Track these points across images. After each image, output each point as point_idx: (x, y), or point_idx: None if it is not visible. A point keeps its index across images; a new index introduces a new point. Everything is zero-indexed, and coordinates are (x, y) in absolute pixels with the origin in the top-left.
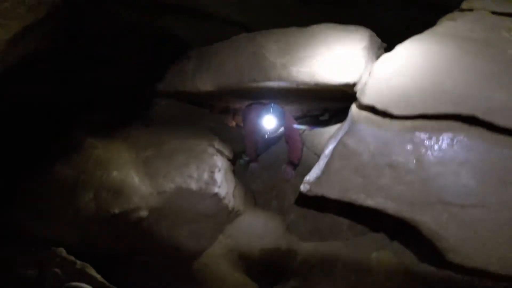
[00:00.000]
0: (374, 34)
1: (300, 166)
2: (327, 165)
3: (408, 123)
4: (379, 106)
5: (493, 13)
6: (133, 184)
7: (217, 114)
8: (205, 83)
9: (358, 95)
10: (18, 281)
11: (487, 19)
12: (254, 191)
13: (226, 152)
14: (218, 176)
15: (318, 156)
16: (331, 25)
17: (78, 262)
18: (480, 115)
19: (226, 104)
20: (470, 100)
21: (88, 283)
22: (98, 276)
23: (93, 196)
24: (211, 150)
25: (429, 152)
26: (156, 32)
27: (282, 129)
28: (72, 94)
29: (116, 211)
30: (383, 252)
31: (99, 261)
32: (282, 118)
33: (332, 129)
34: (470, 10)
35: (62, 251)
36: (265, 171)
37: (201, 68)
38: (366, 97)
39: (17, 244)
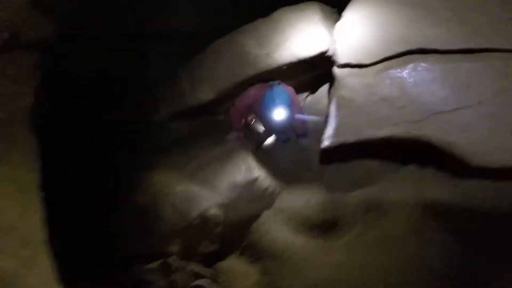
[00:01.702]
0: (322, 4)
1: (312, 131)
2: (336, 117)
3: (379, 66)
4: (353, 61)
5: None
6: (196, 191)
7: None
8: (205, 93)
9: (334, 58)
10: None
11: None
12: (285, 170)
13: (249, 146)
14: (252, 164)
15: (323, 118)
16: (287, 8)
17: (190, 263)
18: (426, 46)
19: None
20: (412, 38)
21: (201, 278)
22: (206, 271)
23: (172, 208)
24: (237, 147)
25: (405, 80)
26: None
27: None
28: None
29: (195, 214)
30: (421, 182)
31: (202, 261)
32: (289, 104)
33: (323, 90)
34: None
35: (175, 259)
36: (286, 151)
37: (195, 81)
38: (341, 59)
39: (131, 265)
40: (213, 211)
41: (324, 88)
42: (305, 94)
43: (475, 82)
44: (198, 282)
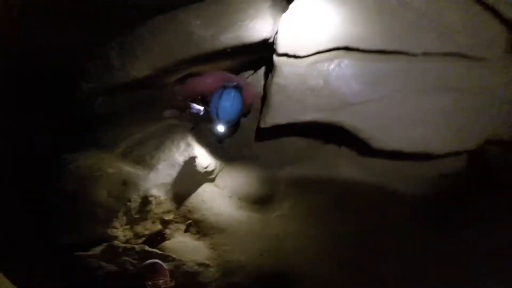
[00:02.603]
0: None
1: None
2: (271, 102)
3: (311, 59)
4: (290, 52)
5: None
6: (131, 172)
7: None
8: (140, 69)
9: (274, 47)
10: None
11: None
12: (225, 147)
13: (187, 123)
14: (192, 142)
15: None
16: None
17: (136, 245)
18: (350, 44)
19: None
20: (342, 36)
21: (150, 258)
22: (155, 250)
23: (106, 192)
24: (174, 124)
25: (329, 74)
26: None
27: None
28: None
29: (133, 197)
30: (338, 160)
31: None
32: (235, 113)
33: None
34: None
35: (119, 243)
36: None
37: (128, 56)
38: (280, 48)
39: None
40: (153, 191)
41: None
42: (247, 73)
43: (383, 79)
44: (151, 261)
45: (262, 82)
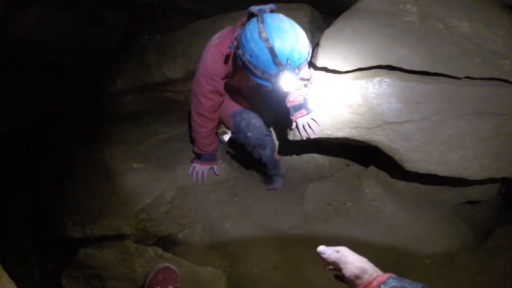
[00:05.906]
0: (313, 8)
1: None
2: None
3: (351, 75)
4: (329, 67)
5: None
6: (154, 171)
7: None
8: (175, 71)
9: (312, 61)
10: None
11: None
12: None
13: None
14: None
15: None
16: (280, 5)
17: (149, 248)
18: (393, 64)
19: None
20: (385, 55)
21: (162, 262)
22: (170, 254)
23: (129, 187)
24: None
25: (369, 91)
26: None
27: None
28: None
29: (153, 196)
30: (363, 178)
31: (158, 245)
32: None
33: None
34: None
35: (132, 243)
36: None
37: (166, 58)
38: (319, 62)
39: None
40: (172, 194)
41: None
42: None
43: (423, 101)
44: (164, 264)
45: None
